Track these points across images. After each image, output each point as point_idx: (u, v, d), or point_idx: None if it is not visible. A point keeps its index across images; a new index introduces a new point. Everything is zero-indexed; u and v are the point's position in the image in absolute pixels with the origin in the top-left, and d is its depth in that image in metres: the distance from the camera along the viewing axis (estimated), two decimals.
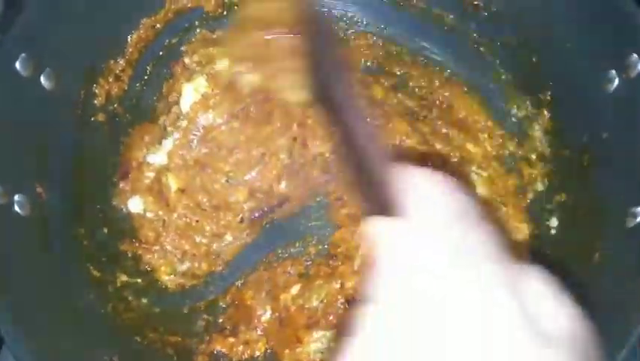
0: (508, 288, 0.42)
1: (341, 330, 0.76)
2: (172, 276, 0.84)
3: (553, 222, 0.78)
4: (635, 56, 0.66)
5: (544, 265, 0.75)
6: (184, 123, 0.86)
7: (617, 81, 0.68)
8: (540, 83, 0.82)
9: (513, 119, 0.87)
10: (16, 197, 0.67)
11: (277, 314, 0.79)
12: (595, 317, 0.63)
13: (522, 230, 0.82)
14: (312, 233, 0.87)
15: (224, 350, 0.79)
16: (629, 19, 0.67)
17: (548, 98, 0.81)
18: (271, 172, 0.86)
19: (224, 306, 0.83)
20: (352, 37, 0.93)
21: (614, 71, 0.69)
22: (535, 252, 0.79)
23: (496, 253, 0.45)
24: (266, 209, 0.87)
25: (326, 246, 0.85)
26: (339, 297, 0.78)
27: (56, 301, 0.69)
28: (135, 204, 0.85)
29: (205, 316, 0.83)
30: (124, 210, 0.84)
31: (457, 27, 0.90)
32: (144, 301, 0.81)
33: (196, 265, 0.84)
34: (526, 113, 0.85)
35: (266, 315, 0.80)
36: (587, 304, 0.65)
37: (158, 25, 0.86)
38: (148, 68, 0.87)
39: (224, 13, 0.89)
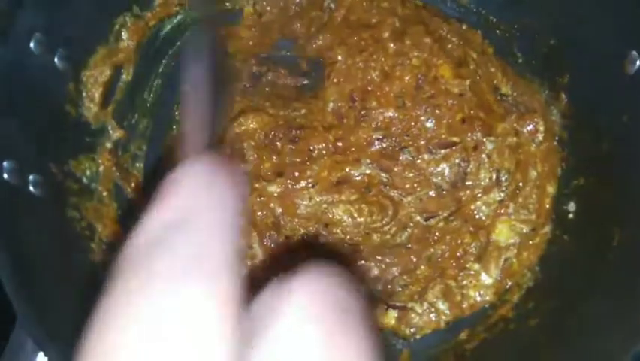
0: None
1: None
2: None
3: (571, 206, 0.77)
4: None
5: (562, 249, 0.76)
6: None
7: (638, 63, 0.67)
8: (558, 65, 0.80)
9: None
10: (31, 177, 0.67)
11: None
12: (612, 302, 0.63)
13: None
14: None
15: None
16: None
17: (566, 81, 0.80)
18: None
19: None
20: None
21: (635, 53, 0.67)
22: (553, 236, 0.78)
23: None
24: None
25: None
26: None
27: (73, 282, 0.69)
28: None
29: None
30: None
31: (475, 9, 0.89)
32: None
33: None
34: (544, 96, 0.83)
35: None
36: (605, 289, 0.65)
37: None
38: None
39: None
